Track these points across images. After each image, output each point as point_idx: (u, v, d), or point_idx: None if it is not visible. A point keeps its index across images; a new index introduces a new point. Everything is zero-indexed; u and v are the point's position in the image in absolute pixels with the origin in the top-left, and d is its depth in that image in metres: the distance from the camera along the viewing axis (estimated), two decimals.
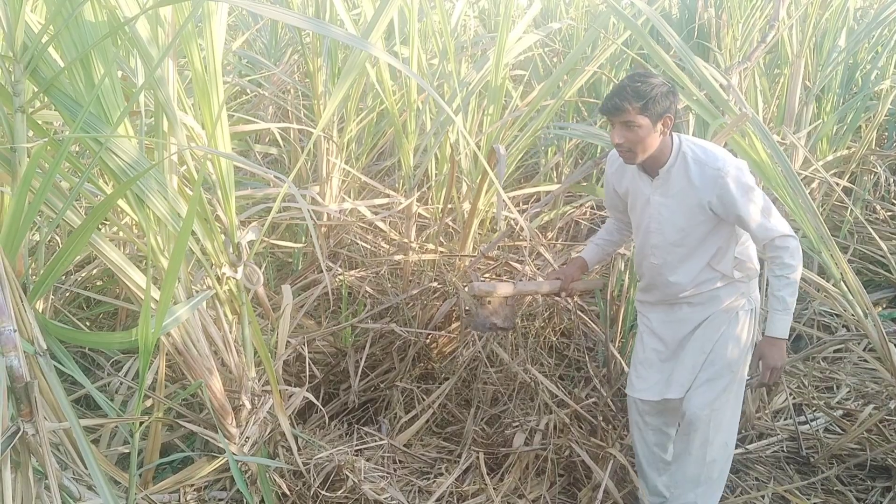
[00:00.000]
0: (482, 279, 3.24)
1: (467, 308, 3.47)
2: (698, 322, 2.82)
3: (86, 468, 1.89)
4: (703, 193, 2.60)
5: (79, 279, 3.60)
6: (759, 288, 2.93)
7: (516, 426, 3.23)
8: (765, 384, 2.76)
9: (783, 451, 3.46)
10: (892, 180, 5.29)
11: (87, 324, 3.62)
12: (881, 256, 4.51)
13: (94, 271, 3.63)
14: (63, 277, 3.49)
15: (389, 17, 2.20)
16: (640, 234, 2.85)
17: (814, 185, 4.59)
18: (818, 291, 3.33)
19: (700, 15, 4.96)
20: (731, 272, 2.75)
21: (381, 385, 3.58)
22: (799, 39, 4.22)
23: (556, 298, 3.31)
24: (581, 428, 3.30)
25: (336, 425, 3.35)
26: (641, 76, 2.58)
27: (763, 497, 3.14)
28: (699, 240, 2.70)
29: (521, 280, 3.24)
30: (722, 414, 2.79)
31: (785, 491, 3.14)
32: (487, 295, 3.04)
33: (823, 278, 3.28)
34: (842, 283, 3.01)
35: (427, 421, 3.39)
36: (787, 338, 2.67)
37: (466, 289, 3.17)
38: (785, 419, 3.67)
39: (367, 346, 3.59)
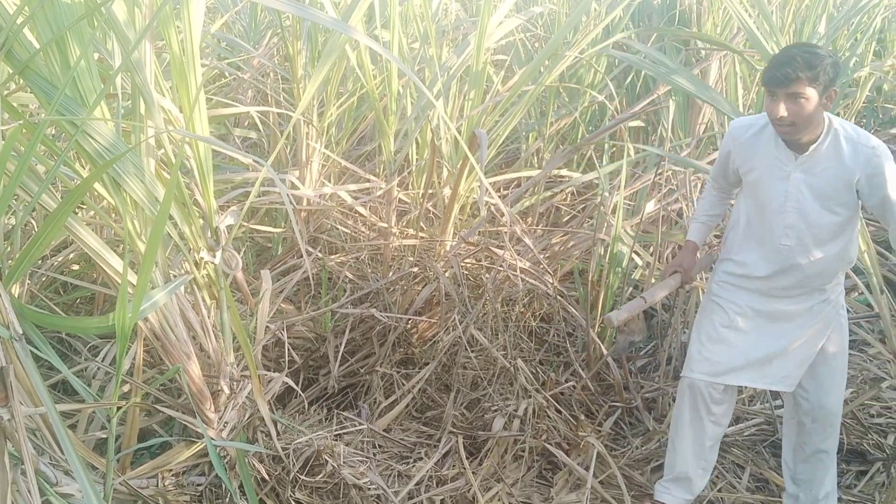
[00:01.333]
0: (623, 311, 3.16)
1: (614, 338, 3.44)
2: (799, 314, 2.76)
3: (62, 453, 1.88)
4: (853, 172, 2.51)
5: (55, 263, 3.57)
6: None
7: (495, 411, 3.24)
8: None
9: (760, 434, 3.50)
10: None
11: (64, 308, 3.60)
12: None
13: (71, 255, 3.60)
14: (39, 262, 3.45)
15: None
16: (770, 213, 2.69)
17: None
18: None
19: (681, 1, 4.97)
20: (853, 262, 2.73)
21: (361, 370, 3.58)
22: (778, 26, 4.23)
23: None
24: (559, 413, 3.32)
25: (315, 410, 3.34)
26: (809, 45, 2.49)
27: (740, 479, 3.19)
28: (840, 224, 2.61)
29: (646, 292, 3.04)
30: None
31: (761, 473, 3.18)
32: (629, 321, 2.94)
33: None
34: (865, 255, 3.00)
35: (407, 406, 3.40)
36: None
37: (605, 322, 3.03)
38: (761, 403, 3.70)
39: (347, 331, 3.58)
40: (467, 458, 3.06)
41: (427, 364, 3.50)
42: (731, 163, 2.82)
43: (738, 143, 2.77)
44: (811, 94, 2.42)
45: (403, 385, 3.45)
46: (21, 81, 2.04)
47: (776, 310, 2.77)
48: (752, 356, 2.78)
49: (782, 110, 2.46)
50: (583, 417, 3.34)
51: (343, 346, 3.53)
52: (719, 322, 2.85)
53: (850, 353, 3.68)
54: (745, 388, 3.75)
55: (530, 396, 3.26)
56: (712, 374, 2.81)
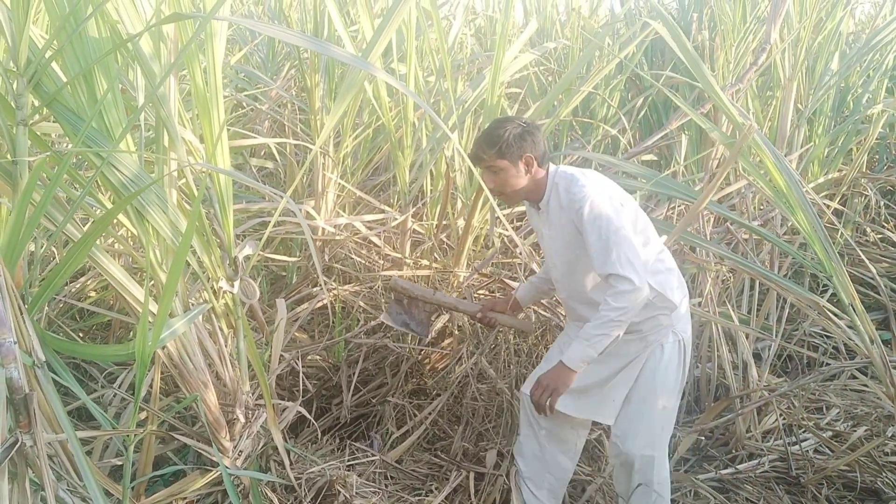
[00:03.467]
0: (407, 282, 3.31)
1: (386, 302, 3.52)
2: (616, 352, 2.76)
3: (80, 480, 1.90)
4: (570, 215, 2.65)
5: (73, 290, 3.61)
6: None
7: (491, 447, 3.25)
8: (533, 400, 2.71)
9: (773, 471, 3.48)
10: (882, 203, 5.34)
11: (81, 335, 3.63)
12: (871, 279, 4.55)
13: (89, 283, 3.64)
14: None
15: (389, 37, 2.22)
16: (548, 267, 2.95)
17: None
18: (816, 313, 3.34)
19: (694, 37, 5.02)
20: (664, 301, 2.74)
21: (374, 400, 3.59)
22: (791, 63, 4.27)
23: (480, 324, 3.33)
24: None
25: (328, 440, 3.35)
26: (496, 123, 2.74)
27: None
28: (588, 269, 2.71)
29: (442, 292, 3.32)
30: (661, 451, 2.80)
31: None
32: (404, 292, 3.16)
33: (821, 296, 3.30)
34: (851, 308, 3.01)
35: (419, 437, 3.40)
36: (574, 369, 2.63)
37: (390, 281, 3.29)
38: (775, 439, 3.69)
39: (360, 360, 3.60)
40: (477, 493, 3.05)
41: (439, 395, 3.51)
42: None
43: (528, 215, 3.01)
44: (503, 164, 2.67)
45: (415, 415, 3.46)
46: (45, 111, 2.08)
47: None
48: (572, 384, 2.77)
49: (487, 183, 2.72)
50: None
51: (356, 376, 3.55)
52: (557, 347, 3.01)
53: (858, 390, 3.67)
54: (758, 423, 3.76)
55: None
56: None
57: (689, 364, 2.86)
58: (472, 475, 3.10)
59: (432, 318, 3.35)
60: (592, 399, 2.84)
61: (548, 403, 2.65)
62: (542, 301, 3.42)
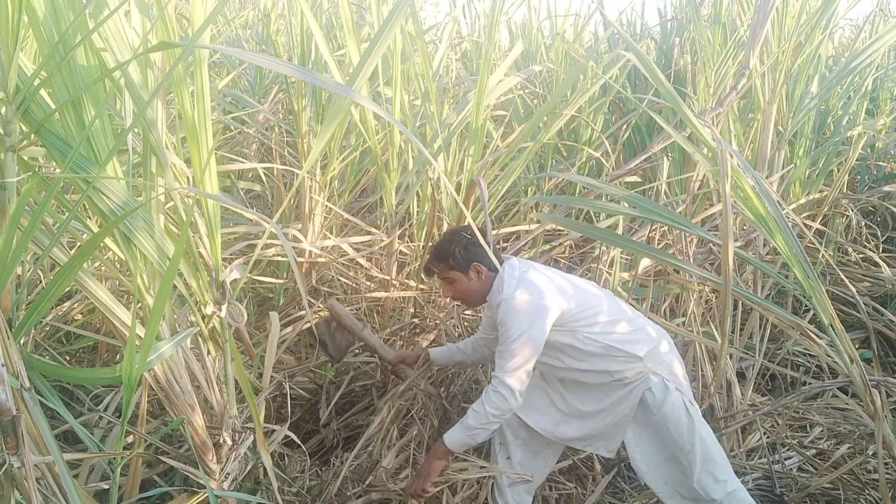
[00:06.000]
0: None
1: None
2: (600, 399, 2.99)
3: (67, 502, 1.90)
4: (495, 316, 2.87)
5: (59, 313, 3.61)
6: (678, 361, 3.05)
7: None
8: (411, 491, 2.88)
9: (757, 489, 3.51)
10: (863, 223, 5.41)
11: (67, 358, 3.63)
12: (852, 298, 4.61)
13: (76, 306, 3.64)
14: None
15: (374, 64, 2.26)
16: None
17: None
18: (797, 332, 3.38)
19: (676, 61, 5.10)
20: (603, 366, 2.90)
21: (361, 422, 3.59)
22: (770, 87, 4.34)
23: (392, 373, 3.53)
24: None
25: (315, 462, 3.36)
26: (446, 237, 3.03)
27: None
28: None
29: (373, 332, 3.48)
30: (726, 483, 2.90)
31: None
32: (336, 317, 3.31)
33: (799, 318, 3.35)
34: (830, 328, 3.05)
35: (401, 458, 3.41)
36: (455, 451, 2.85)
37: (328, 301, 3.44)
38: (759, 458, 3.72)
39: (346, 383, 3.62)
40: None
41: (426, 416, 3.52)
42: (486, 317, 3.23)
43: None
44: (456, 276, 2.94)
45: (400, 437, 3.46)
46: (33, 136, 2.11)
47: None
48: (553, 408, 3.10)
49: (445, 292, 3.07)
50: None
51: (341, 398, 3.56)
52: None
53: (841, 408, 3.71)
54: (742, 442, 3.79)
55: None
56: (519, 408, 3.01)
57: (689, 398, 2.94)
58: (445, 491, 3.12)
59: (351, 349, 3.49)
60: (572, 426, 3.07)
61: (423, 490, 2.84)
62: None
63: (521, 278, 2.82)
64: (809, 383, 4.32)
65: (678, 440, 2.84)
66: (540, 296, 2.77)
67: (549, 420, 3.08)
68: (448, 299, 2.93)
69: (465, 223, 3.67)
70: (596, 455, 3.45)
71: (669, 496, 2.90)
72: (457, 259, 2.90)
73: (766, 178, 4.42)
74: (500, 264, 2.90)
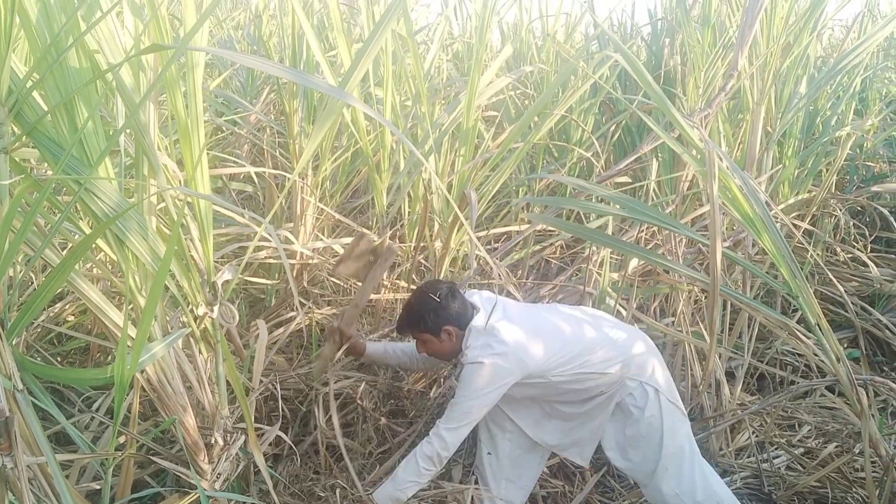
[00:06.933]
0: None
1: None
2: (581, 411, 3.09)
3: (59, 503, 1.91)
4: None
5: (50, 315, 3.61)
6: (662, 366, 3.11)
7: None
8: None
9: (746, 487, 3.53)
10: (851, 223, 5.45)
11: (59, 359, 3.63)
12: (840, 297, 4.65)
13: (67, 307, 3.64)
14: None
15: (366, 67, 2.27)
16: None
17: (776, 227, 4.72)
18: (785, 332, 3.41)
19: (666, 62, 5.12)
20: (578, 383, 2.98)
21: (352, 421, 3.60)
22: (759, 87, 4.37)
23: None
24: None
25: (307, 462, 3.36)
26: (416, 298, 3.04)
27: None
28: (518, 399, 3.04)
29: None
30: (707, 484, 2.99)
31: None
32: (385, 257, 3.29)
33: (788, 317, 3.38)
34: (817, 328, 3.08)
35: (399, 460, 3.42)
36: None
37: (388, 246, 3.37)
38: (748, 456, 3.74)
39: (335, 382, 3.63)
40: None
41: (418, 416, 3.54)
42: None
43: None
44: (428, 337, 2.98)
45: (394, 437, 3.48)
46: (25, 138, 2.11)
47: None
48: (535, 405, 3.15)
49: (419, 348, 3.08)
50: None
51: (333, 400, 3.56)
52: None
53: (829, 407, 3.74)
54: (731, 440, 3.82)
55: None
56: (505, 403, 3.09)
57: (671, 396, 3.00)
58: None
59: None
60: (546, 430, 3.17)
61: None
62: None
63: (488, 337, 2.84)
64: (797, 382, 4.35)
65: (657, 442, 2.93)
66: (505, 360, 2.81)
67: (530, 416, 3.14)
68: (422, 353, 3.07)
69: (459, 226, 3.69)
70: None
71: (652, 495, 2.97)
72: (427, 324, 2.95)
73: (755, 178, 4.45)
74: (472, 310, 2.96)
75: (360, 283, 3.39)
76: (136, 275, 2.21)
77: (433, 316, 2.93)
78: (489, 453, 3.20)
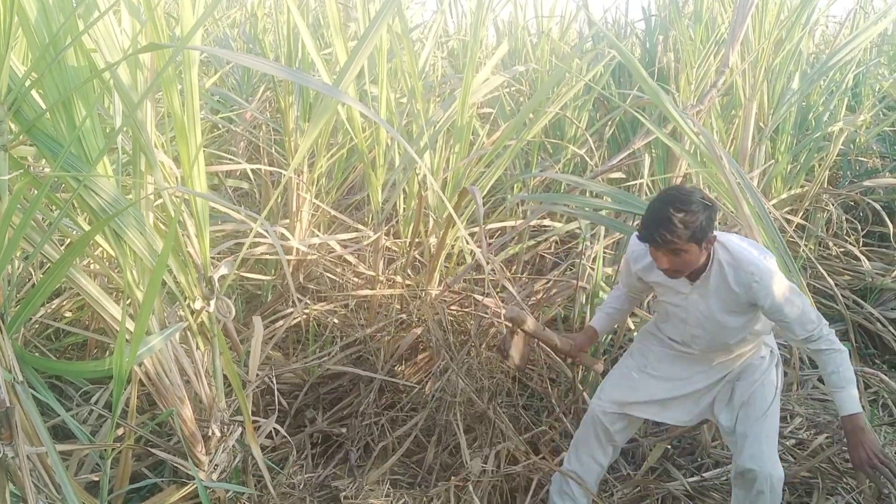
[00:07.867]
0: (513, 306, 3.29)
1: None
2: (707, 366, 3.00)
3: (58, 493, 1.95)
4: (742, 295, 2.68)
5: (48, 310, 3.64)
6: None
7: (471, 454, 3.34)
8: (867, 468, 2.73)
9: None
10: (843, 218, 5.49)
11: (56, 355, 3.66)
12: (832, 291, 4.69)
13: (65, 303, 3.68)
14: None
15: (360, 64, 2.31)
16: (678, 321, 2.94)
17: None
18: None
19: (660, 59, 5.16)
20: (766, 329, 2.90)
21: (349, 415, 3.64)
22: (751, 83, 4.41)
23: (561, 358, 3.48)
24: (536, 456, 3.40)
25: (304, 455, 3.40)
26: (682, 202, 2.53)
27: None
28: (740, 327, 2.81)
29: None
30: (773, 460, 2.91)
31: None
32: (517, 323, 3.06)
33: None
34: None
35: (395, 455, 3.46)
36: (860, 411, 2.72)
37: (509, 311, 3.16)
38: None
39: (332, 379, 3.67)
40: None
41: (414, 409, 3.58)
42: (633, 276, 3.00)
43: (636, 264, 2.93)
44: (691, 247, 2.56)
45: (391, 431, 3.51)
46: (24, 136, 2.15)
47: (685, 360, 3.02)
48: (657, 396, 3.02)
49: (664, 263, 2.61)
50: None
51: (330, 392, 3.60)
52: (634, 364, 3.11)
53: (821, 399, 3.79)
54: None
55: (506, 440, 3.35)
56: (618, 404, 3.03)
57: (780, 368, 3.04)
58: (452, 490, 3.17)
59: (529, 353, 3.29)
60: (676, 407, 3.05)
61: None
62: None
63: (746, 249, 2.70)
64: (788, 374, 4.38)
65: (762, 406, 2.89)
66: (771, 260, 2.73)
67: (655, 405, 3.05)
68: (663, 269, 2.67)
69: (453, 224, 3.72)
70: None
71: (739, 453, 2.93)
72: (703, 231, 2.55)
73: (747, 173, 4.49)
74: None
75: (542, 344, 3.35)
76: (134, 270, 2.24)
77: (708, 224, 2.54)
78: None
